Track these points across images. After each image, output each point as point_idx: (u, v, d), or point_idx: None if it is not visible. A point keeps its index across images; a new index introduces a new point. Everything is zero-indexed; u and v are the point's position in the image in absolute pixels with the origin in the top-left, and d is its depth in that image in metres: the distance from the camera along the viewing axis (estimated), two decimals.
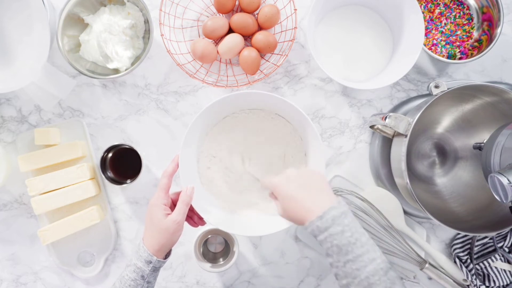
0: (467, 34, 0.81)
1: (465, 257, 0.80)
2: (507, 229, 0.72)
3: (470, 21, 0.81)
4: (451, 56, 0.81)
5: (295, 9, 0.76)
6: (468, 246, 0.81)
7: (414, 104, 0.79)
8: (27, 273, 0.82)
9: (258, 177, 0.73)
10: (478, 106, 0.76)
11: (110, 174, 0.78)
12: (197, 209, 0.67)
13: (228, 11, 0.78)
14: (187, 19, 0.80)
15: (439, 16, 0.81)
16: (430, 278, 0.81)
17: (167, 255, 0.64)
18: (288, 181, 0.59)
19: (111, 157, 0.79)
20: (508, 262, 0.79)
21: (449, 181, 0.80)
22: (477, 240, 0.80)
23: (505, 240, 0.79)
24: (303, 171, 0.60)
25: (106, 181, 0.78)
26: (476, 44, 0.81)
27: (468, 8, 0.81)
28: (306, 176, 0.59)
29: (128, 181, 0.78)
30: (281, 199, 0.58)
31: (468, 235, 0.81)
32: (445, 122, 0.80)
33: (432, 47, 0.81)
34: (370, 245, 0.52)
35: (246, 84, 0.77)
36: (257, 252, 0.82)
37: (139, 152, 0.76)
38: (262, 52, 0.78)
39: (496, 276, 0.79)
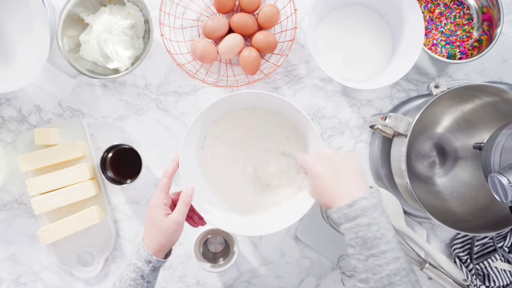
0: (467, 34, 0.81)
1: (465, 257, 0.80)
2: (507, 229, 0.72)
3: (470, 21, 0.81)
4: (451, 56, 0.81)
5: (295, 9, 0.76)
6: (468, 246, 0.81)
7: (414, 104, 0.79)
8: (27, 273, 0.82)
9: (295, 155, 0.72)
10: (478, 106, 0.76)
11: (110, 174, 0.78)
12: (197, 209, 0.67)
13: (228, 11, 0.78)
14: (187, 19, 0.80)
15: (439, 16, 0.81)
16: (430, 278, 0.81)
17: (167, 255, 0.64)
18: (322, 160, 0.57)
19: (111, 157, 0.79)
20: (508, 262, 0.79)
21: (449, 181, 0.80)
22: (477, 240, 0.80)
23: (505, 240, 0.79)
24: (340, 153, 0.58)
25: (106, 181, 0.78)
26: (476, 44, 0.81)
27: (468, 8, 0.81)
28: (342, 159, 0.57)
29: (128, 181, 0.78)
30: (312, 177, 0.57)
31: (468, 235, 0.81)
32: (445, 122, 0.80)
33: (432, 47, 0.81)
34: (396, 243, 0.51)
35: (246, 84, 0.77)
36: (257, 252, 0.82)
37: (139, 152, 0.76)
38: (262, 52, 0.78)
39: (496, 276, 0.79)
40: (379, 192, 0.53)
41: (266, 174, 0.75)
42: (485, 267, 0.79)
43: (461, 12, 0.81)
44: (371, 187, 0.54)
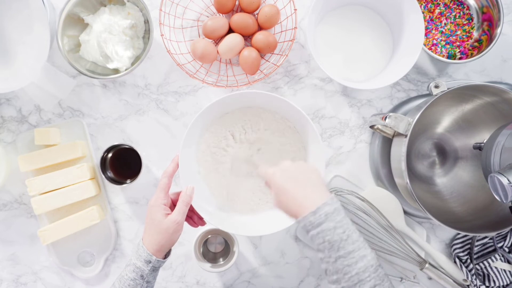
0: (467, 34, 0.81)
1: (465, 257, 0.80)
2: (507, 229, 0.71)
3: (470, 21, 0.81)
4: (451, 56, 0.81)
5: (295, 9, 0.76)
6: (468, 246, 0.81)
7: (414, 104, 0.79)
8: (27, 273, 0.82)
9: (256, 163, 0.73)
10: (478, 106, 0.76)
11: (110, 174, 0.78)
12: (197, 209, 0.67)
13: (228, 11, 0.78)
14: (187, 19, 0.80)
15: (439, 16, 0.81)
16: (430, 278, 0.81)
17: (166, 255, 0.64)
18: (282, 172, 0.58)
19: (111, 157, 0.79)
20: (508, 262, 0.79)
21: (449, 181, 0.80)
22: (477, 240, 0.80)
23: (505, 240, 0.79)
24: (299, 164, 0.60)
25: (106, 181, 0.78)
26: (476, 44, 0.81)
27: (468, 8, 0.81)
28: (301, 169, 0.59)
29: (128, 181, 0.78)
30: (275, 190, 0.58)
31: (468, 235, 0.81)
32: (445, 122, 0.80)
33: (432, 47, 0.81)
34: (361, 241, 0.53)
35: (246, 84, 0.77)
36: (257, 252, 0.82)
37: (139, 152, 0.76)
38: (262, 52, 0.78)
39: (496, 276, 0.79)
40: (337, 198, 0.56)
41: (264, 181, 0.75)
42: (485, 267, 0.79)
43: (461, 12, 0.81)
44: (331, 193, 0.56)
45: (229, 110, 0.74)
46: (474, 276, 0.78)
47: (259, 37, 0.76)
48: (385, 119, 0.68)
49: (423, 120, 0.72)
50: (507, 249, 0.80)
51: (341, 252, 0.52)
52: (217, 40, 0.80)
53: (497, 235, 0.80)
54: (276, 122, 0.75)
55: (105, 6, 0.77)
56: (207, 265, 0.76)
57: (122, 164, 0.79)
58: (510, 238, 0.79)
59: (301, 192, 0.56)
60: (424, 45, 0.79)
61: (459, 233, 0.81)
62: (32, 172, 0.78)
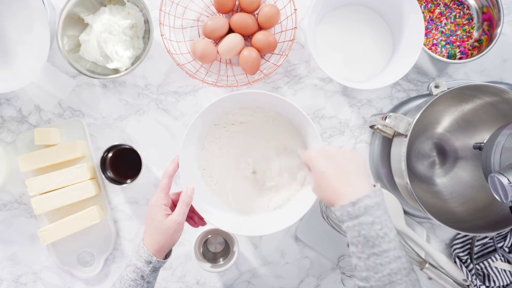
0: (467, 34, 0.81)
1: (465, 257, 0.80)
2: (507, 229, 0.72)
3: (470, 21, 0.81)
4: (451, 56, 0.81)
5: (295, 9, 0.76)
6: (468, 246, 0.81)
7: (414, 104, 0.79)
8: (27, 273, 0.82)
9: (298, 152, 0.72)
10: (478, 106, 0.76)
11: (110, 174, 0.78)
12: (198, 209, 0.67)
13: (228, 11, 0.78)
14: (187, 19, 0.80)
15: (439, 16, 0.81)
16: (430, 278, 0.81)
17: (167, 255, 0.64)
18: (326, 156, 0.56)
19: (111, 157, 0.79)
20: (508, 262, 0.79)
21: (449, 181, 0.80)
22: (477, 240, 0.80)
23: (505, 240, 0.79)
24: (345, 151, 0.57)
25: (106, 181, 0.78)
26: (476, 44, 0.81)
27: (468, 8, 0.81)
28: (346, 156, 0.56)
29: (128, 181, 0.78)
30: (315, 173, 0.56)
31: (468, 235, 0.81)
32: (445, 122, 0.80)
33: (432, 47, 0.81)
34: (397, 242, 0.51)
35: (246, 84, 0.77)
36: (257, 252, 0.82)
37: (139, 152, 0.76)
38: (262, 52, 0.78)
39: (496, 276, 0.79)
40: (382, 191, 0.53)
41: (266, 173, 0.75)
42: (485, 267, 0.79)
43: (461, 12, 0.81)
44: (374, 186, 0.54)
45: (229, 110, 0.74)
46: (474, 276, 0.78)
47: (259, 37, 0.76)
48: (385, 119, 0.68)
49: (423, 120, 0.72)
50: (507, 249, 0.80)
51: (376, 250, 0.49)
52: (217, 40, 0.80)
53: (497, 235, 0.80)
54: (276, 122, 0.75)
55: (105, 6, 0.77)
56: (207, 265, 0.76)
57: (122, 164, 0.79)
58: (510, 238, 0.79)
59: (342, 179, 0.53)
60: (424, 45, 0.79)
61: (459, 233, 0.81)
62: (32, 172, 0.78)
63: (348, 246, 0.53)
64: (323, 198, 0.56)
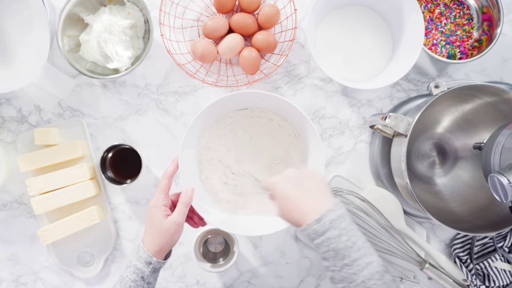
0: (467, 34, 0.81)
1: (465, 257, 0.80)
2: (507, 229, 0.72)
3: (470, 21, 0.81)
4: (451, 56, 0.81)
5: (295, 9, 0.76)
6: (468, 246, 0.81)
7: (414, 104, 0.79)
8: (27, 273, 0.82)
9: (259, 179, 0.73)
10: (478, 106, 0.76)
11: (110, 174, 0.78)
12: (198, 209, 0.67)
13: (228, 11, 0.78)
14: (187, 19, 0.80)
15: (439, 16, 0.81)
16: (430, 278, 0.81)
17: (167, 256, 0.64)
18: (286, 180, 0.57)
19: (111, 157, 0.79)
20: (508, 262, 0.79)
21: (449, 181, 0.80)
22: (477, 240, 0.80)
23: (505, 240, 0.79)
24: (302, 171, 0.58)
25: (106, 181, 0.78)
26: (476, 44, 0.81)
27: (468, 8, 0.81)
28: (304, 176, 0.57)
29: (128, 181, 0.78)
30: (278, 198, 0.57)
31: (468, 235, 0.81)
32: (445, 122, 0.80)
33: (432, 47, 0.81)
34: (367, 248, 0.52)
35: (246, 84, 0.77)
36: (257, 252, 0.82)
37: (139, 152, 0.76)
38: (262, 52, 0.78)
39: (496, 276, 0.79)
40: (341, 204, 0.54)
41: (266, 173, 0.75)
42: (485, 267, 0.79)
43: (461, 12, 0.81)
44: (335, 198, 0.55)
45: (229, 110, 0.74)
46: (474, 276, 0.78)
47: (259, 37, 0.76)
48: (385, 119, 0.68)
49: (423, 120, 0.72)
50: (507, 249, 0.80)
51: (346, 260, 0.51)
52: (217, 40, 0.80)
53: (497, 235, 0.80)
54: (276, 122, 0.75)
55: (105, 6, 0.77)
56: (207, 265, 0.76)
57: (122, 164, 0.79)
58: (510, 238, 0.79)
59: (304, 198, 0.54)
60: (424, 45, 0.79)
61: (459, 233, 0.81)
62: (32, 172, 0.78)
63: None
64: (290, 221, 0.57)
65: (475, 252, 0.80)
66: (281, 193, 0.57)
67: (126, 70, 0.75)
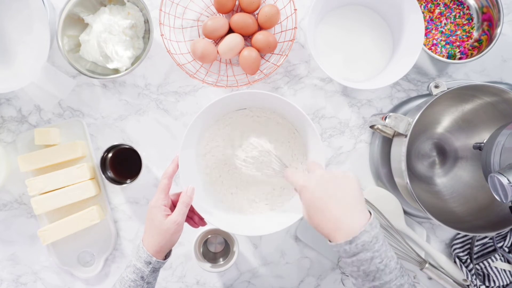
0: (467, 34, 0.81)
1: (465, 257, 0.80)
2: (507, 229, 0.72)
3: (470, 21, 0.81)
4: (451, 56, 0.81)
5: (295, 9, 0.76)
6: (468, 246, 0.81)
7: (414, 104, 0.79)
8: (27, 273, 0.82)
9: (286, 164, 0.65)
10: (478, 106, 0.76)
11: (110, 174, 0.78)
12: (198, 209, 0.67)
13: (228, 11, 0.78)
14: (187, 19, 0.80)
15: (439, 16, 0.81)
16: (430, 278, 0.81)
17: (167, 256, 0.64)
18: (316, 185, 0.51)
19: (111, 157, 0.79)
20: (508, 262, 0.79)
21: (449, 181, 0.80)
22: (477, 240, 0.80)
23: (505, 240, 0.79)
24: (335, 175, 0.52)
25: (106, 181, 0.78)
26: (476, 44, 0.81)
27: (468, 8, 0.81)
28: (338, 182, 0.51)
29: (128, 181, 0.78)
30: (306, 205, 0.52)
31: (468, 235, 0.81)
32: (445, 122, 0.80)
33: (432, 47, 0.81)
34: (399, 270, 0.49)
35: (246, 84, 0.77)
36: (257, 252, 0.82)
37: (139, 152, 0.76)
38: (262, 52, 0.78)
39: (496, 276, 0.79)
40: (376, 221, 0.50)
41: (266, 173, 0.75)
42: (485, 267, 0.79)
43: (461, 12, 0.81)
44: (370, 213, 0.51)
45: (229, 110, 0.74)
46: (474, 276, 0.78)
47: (259, 37, 0.76)
48: (385, 119, 0.68)
49: (423, 120, 0.72)
50: (507, 249, 0.80)
51: (377, 283, 0.48)
52: (217, 40, 0.80)
53: (497, 235, 0.80)
54: (276, 122, 0.75)
55: (105, 6, 0.77)
56: (207, 265, 0.76)
57: (122, 164, 0.79)
58: (510, 238, 0.79)
59: (335, 212, 0.49)
60: (424, 45, 0.79)
61: (459, 233, 0.81)
62: (32, 172, 0.78)
63: (338, 265, 0.52)
64: (317, 230, 0.52)
65: (475, 252, 0.80)
66: (309, 200, 0.51)
67: (126, 70, 0.75)
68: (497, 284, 0.79)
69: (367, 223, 0.48)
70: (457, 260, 0.80)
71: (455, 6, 0.81)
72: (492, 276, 0.79)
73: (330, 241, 0.50)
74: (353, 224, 0.48)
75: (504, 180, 0.54)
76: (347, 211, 0.49)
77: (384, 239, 0.49)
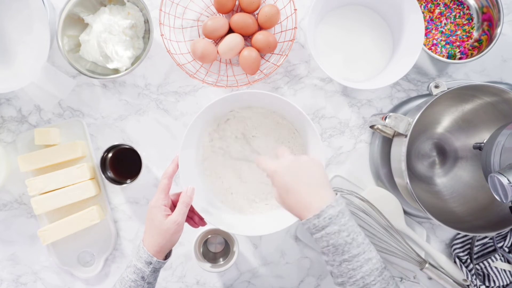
0: (467, 34, 0.81)
1: (465, 257, 0.80)
2: (507, 229, 0.72)
3: (470, 21, 0.81)
4: (451, 56, 0.81)
5: (295, 9, 0.76)
6: (468, 246, 0.81)
7: (414, 104, 0.79)
8: (27, 273, 0.82)
9: (260, 153, 0.70)
10: (478, 106, 0.76)
11: (110, 174, 0.78)
12: (198, 209, 0.67)
13: (228, 11, 0.78)
14: (187, 19, 0.80)
15: (439, 16, 0.81)
16: (430, 278, 0.81)
17: (167, 256, 0.64)
18: (286, 169, 0.56)
19: (111, 157, 0.79)
20: (508, 262, 0.79)
21: (449, 181, 0.80)
22: (477, 240, 0.80)
23: (505, 240, 0.79)
24: (303, 160, 0.57)
25: (106, 181, 0.78)
26: (476, 44, 0.81)
27: (468, 8, 0.81)
28: (305, 166, 0.56)
29: (128, 181, 0.78)
30: (278, 187, 0.56)
31: (468, 235, 0.81)
32: (445, 122, 0.80)
33: (432, 47, 0.81)
34: (366, 244, 0.52)
35: (246, 84, 0.77)
36: (257, 252, 0.82)
37: (139, 152, 0.76)
38: (262, 52, 0.78)
39: (496, 276, 0.79)
40: (343, 199, 0.54)
41: (265, 173, 0.75)
42: (485, 267, 0.79)
43: (461, 12, 0.81)
44: (336, 193, 0.55)
45: (229, 110, 0.74)
46: (474, 276, 0.78)
47: (259, 37, 0.76)
48: (385, 119, 0.68)
49: (423, 120, 0.72)
50: (507, 249, 0.80)
51: (346, 256, 0.51)
52: (217, 40, 0.80)
53: (497, 235, 0.80)
54: (276, 122, 0.75)
55: (105, 6, 0.77)
56: (207, 265, 0.76)
57: (122, 164, 0.79)
58: (510, 238, 0.79)
59: (304, 192, 0.54)
60: (424, 45, 0.79)
61: (459, 233, 0.81)
62: (32, 172, 0.78)
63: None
64: (288, 211, 0.56)
65: (475, 252, 0.80)
66: (280, 184, 0.56)
67: (126, 70, 0.75)
68: (497, 284, 0.79)
69: (333, 200, 0.52)
70: (457, 260, 0.80)
71: (455, 6, 0.81)
72: (492, 276, 0.79)
73: (301, 220, 0.54)
74: (320, 201, 0.53)
75: (504, 180, 0.54)
76: (315, 191, 0.54)
77: (351, 216, 0.53)
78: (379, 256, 0.53)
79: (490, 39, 0.77)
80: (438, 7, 0.81)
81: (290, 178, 0.55)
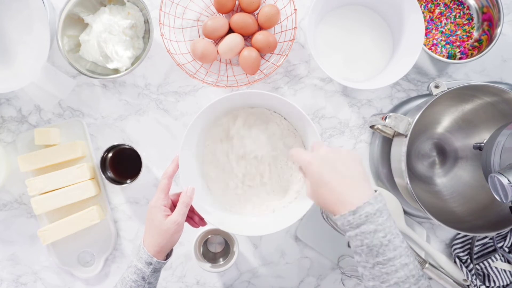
0: (467, 34, 0.81)
1: (465, 257, 0.80)
2: (507, 229, 0.71)
3: (470, 21, 0.81)
4: (451, 56, 0.81)
5: (295, 9, 0.76)
6: (468, 246, 0.81)
7: (414, 104, 0.79)
8: (27, 273, 0.82)
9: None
10: (478, 106, 0.76)
11: (110, 174, 0.78)
12: (198, 209, 0.67)
13: (228, 11, 0.78)
14: (187, 19, 0.80)
15: (439, 16, 0.81)
16: (430, 278, 0.81)
17: (168, 256, 0.64)
18: (321, 161, 0.52)
19: (111, 157, 0.79)
20: (508, 262, 0.79)
21: (449, 181, 0.80)
22: (477, 240, 0.80)
23: (505, 240, 0.79)
24: (340, 152, 0.53)
25: (106, 181, 0.78)
26: (476, 44, 0.81)
27: (468, 8, 0.81)
28: (343, 158, 0.52)
29: (128, 181, 0.78)
30: (311, 180, 0.53)
31: (468, 235, 0.81)
32: (445, 122, 0.80)
33: (432, 47, 0.81)
34: (404, 248, 0.49)
35: (246, 84, 0.77)
36: (257, 252, 0.82)
37: (139, 152, 0.76)
38: (262, 52, 0.78)
39: (496, 276, 0.79)
40: (383, 196, 0.51)
41: (266, 173, 0.75)
42: (485, 267, 0.79)
43: (461, 12, 0.81)
44: (375, 191, 0.52)
45: (229, 110, 0.74)
46: (474, 276, 0.78)
47: (259, 37, 0.76)
48: (385, 119, 0.68)
49: (423, 120, 0.72)
50: (507, 249, 0.80)
51: (380, 258, 0.48)
52: (217, 40, 0.80)
53: (497, 235, 0.80)
54: (276, 122, 0.75)
55: (105, 6, 0.77)
56: (207, 265, 0.76)
57: (122, 164, 0.79)
58: (510, 238, 0.79)
59: (340, 186, 0.50)
60: (424, 45, 0.79)
61: (459, 233, 0.81)
62: (32, 172, 0.78)
63: (348, 246, 0.52)
64: (321, 205, 0.54)
65: (475, 252, 0.80)
66: (315, 175, 0.52)
67: (126, 70, 0.75)
68: (497, 284, 0.79)
69: (371, 197, 0.49)
70: (457, 260, 0.80)
71: (455, 6, 0.81)
72: (492, 276, 0.79)
73: (334, 215, 0.51)
74: (357, 198, 0.49)
75: (504, 180, 0.54)
76: (352, 185, 0.51)
77: (390, 217, 0.49)
78: (416, 262, 0.49)
79: (490, 39, 0.77)
80: (438, 7, 0.81)
81: (325, 170, 0.52)
